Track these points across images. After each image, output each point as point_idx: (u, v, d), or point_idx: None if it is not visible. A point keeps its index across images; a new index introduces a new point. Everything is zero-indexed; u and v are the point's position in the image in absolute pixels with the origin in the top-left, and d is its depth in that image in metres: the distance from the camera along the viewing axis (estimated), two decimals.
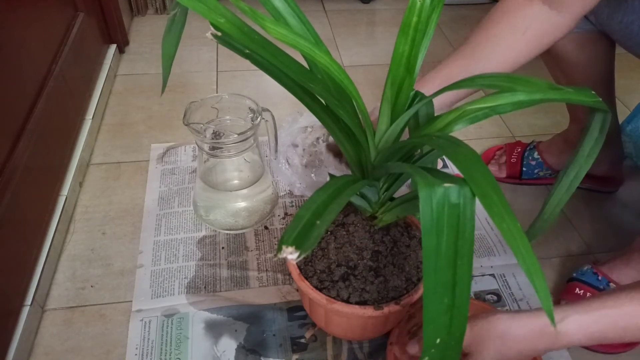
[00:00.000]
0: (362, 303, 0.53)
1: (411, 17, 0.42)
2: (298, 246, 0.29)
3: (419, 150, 0.49)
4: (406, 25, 0.42)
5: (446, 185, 0.28)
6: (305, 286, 0.53)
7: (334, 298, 0.53)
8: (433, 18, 0.43)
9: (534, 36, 0.57)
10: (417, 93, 0.47)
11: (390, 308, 0.51)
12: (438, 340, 0.27)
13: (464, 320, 0.28)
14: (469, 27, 1.40)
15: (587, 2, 0.55)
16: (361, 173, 0.50)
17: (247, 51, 0.39)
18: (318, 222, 0.31)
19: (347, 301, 0.53)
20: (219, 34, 0.39)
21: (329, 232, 0.57)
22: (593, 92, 0.41)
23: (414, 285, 0.54)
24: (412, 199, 0.50)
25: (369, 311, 0.51)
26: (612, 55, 0.75)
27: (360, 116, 0.43)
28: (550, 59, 0.79)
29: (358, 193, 0.51)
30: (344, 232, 0.56)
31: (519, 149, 0.90)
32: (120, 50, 1.16)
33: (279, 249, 0.29)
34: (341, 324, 0.57)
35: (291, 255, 0.28)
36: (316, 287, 0.53)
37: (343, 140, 0.47)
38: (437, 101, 0.52)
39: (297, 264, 0.55)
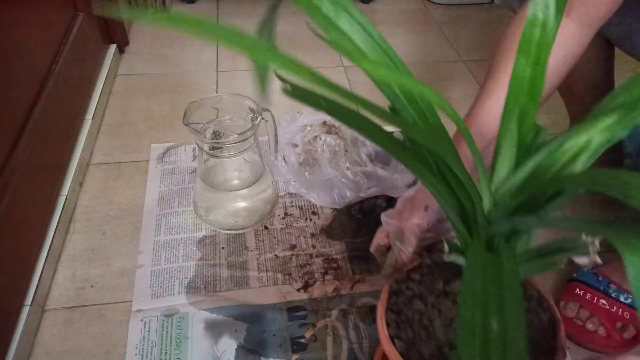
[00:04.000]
0: None
1: (534, 32, 0.35)
2: None
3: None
4: (527, 42, 0.35)
5: None
6: None
7: None
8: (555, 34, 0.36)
9: (572, 57, 0.55)
10: (537, 127, 0.38)
11: None
12: None
13: None
14: (470, 27, 1.40)
15: (606, 14, 0.53)
16: (467, 229, 0.39)
17: (323, 103, 0.35)
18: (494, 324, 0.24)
19: None
20: (289, 87, 0.34)
21: (429, 305, 0.45)
22: None
23: (546, 356, 0.42)
24: (543, 255, 0.39)
25: None
26: (611, 56, 0.75)
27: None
28: None
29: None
30: (450, 304, 0.44)
31: None
32: (120, 50, 1.16)
33: None
34: None
35: None
36: None
37: (439, 187, 0.38)
38: (482, 130, 0.50)
39: (399, 351, 0.42)
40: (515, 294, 0.27)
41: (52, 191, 0.76)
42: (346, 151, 0.85)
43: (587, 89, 0.80)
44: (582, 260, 0.32)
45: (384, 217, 0.57)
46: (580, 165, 0.34)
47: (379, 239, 0.58)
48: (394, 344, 0.41)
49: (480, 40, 1.35)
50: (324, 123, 0.88)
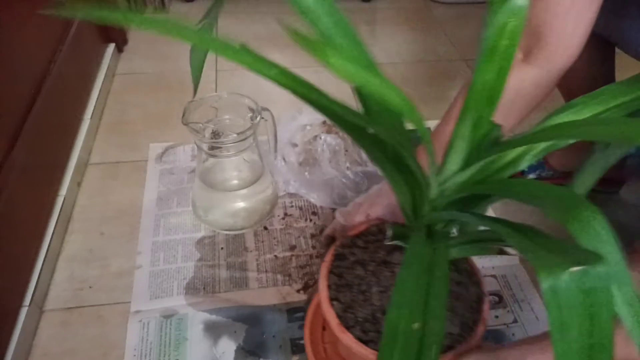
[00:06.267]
0: None
1: (500, 41, 0.35)
2: None
3: None
4: (492, 50, 0.35)
5: (573, 270, 0.23)
6: (348, 339, 0.43)
7: None
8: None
9: (531, 99, 0.54)
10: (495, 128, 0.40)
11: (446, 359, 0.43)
12: None
13: None
14: (471, 25, 1.39)
15: (570, 57, 0.52)
16: (414, 214, 0.42)
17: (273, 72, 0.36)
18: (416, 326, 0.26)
19: None
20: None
21: (369, 272, 0.48)
22: None
23: (470, 330, 0.44)
24: (479, 240, 0.41)
25: None
26: (612, 57, 0.74)
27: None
28: None
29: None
30: (388, 273, 0.47)
31: None
32: (119, 49, 1.15)
33: None
34: None
35: None
36: (360, 339, 0.43)
37: (393, 174, 0.40)
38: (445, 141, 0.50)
39: (336, 311, 0.45)
40: (442, 282, 0.31)
41: (50, 191, 0.75)
42: (346, 151, 0.84)
43: (586, 89, 0.79)
44: (511, 249, 0.36)
45: (337, 213, 0.63)
46: (525, 163, 0.37)
47: (329, 230, 0.65)
48: (332, 305, 0.45)
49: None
50: (324, 122, 0.88)
